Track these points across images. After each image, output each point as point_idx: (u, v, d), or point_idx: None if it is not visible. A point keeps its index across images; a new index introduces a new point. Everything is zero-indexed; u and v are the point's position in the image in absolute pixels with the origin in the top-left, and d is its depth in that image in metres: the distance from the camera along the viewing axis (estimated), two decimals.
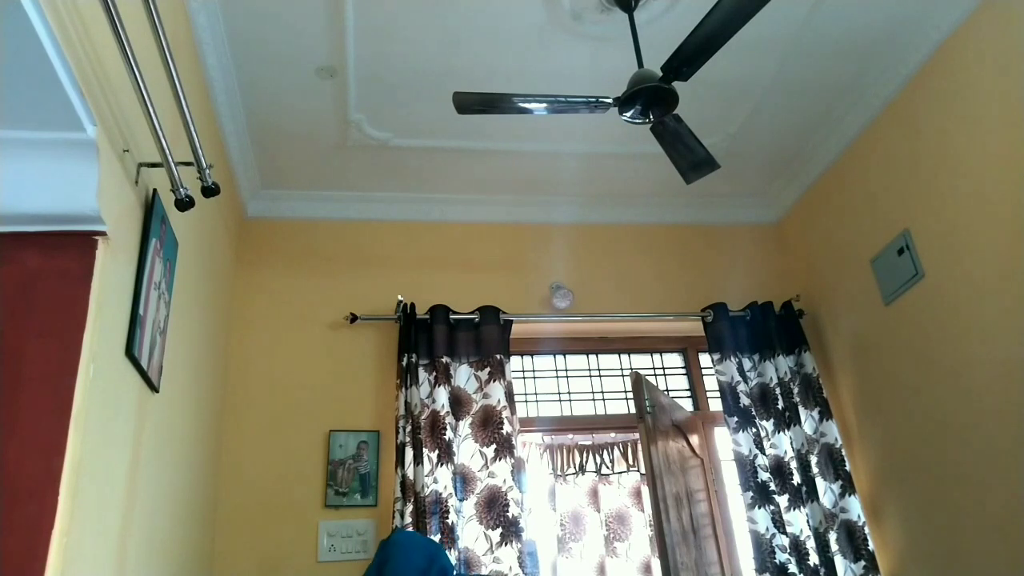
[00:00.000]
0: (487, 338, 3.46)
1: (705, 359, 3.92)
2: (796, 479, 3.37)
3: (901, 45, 3.08)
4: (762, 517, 3.27)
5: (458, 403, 3.33)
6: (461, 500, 3.16)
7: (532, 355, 3.90)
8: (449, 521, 3.05)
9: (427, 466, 3.12)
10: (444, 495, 3.10)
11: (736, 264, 4.04)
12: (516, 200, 3.94)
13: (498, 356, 3.41)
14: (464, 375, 3.40)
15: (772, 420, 3.50)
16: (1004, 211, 2.71)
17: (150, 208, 1.98)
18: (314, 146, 3.45)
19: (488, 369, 3.38)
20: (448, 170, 3.70)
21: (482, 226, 3.93)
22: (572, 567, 4.12)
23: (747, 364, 3.64)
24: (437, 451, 3.16)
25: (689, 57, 2.27)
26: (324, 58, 2.93)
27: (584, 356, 3.97)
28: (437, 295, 3.57)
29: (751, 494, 3.31)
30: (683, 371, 4.02)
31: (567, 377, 3.93)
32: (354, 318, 3.49)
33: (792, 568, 3.20)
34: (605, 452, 4.40)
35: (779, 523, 3.26)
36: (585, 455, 4.39)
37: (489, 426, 3.27)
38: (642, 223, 4.07)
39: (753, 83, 3.26)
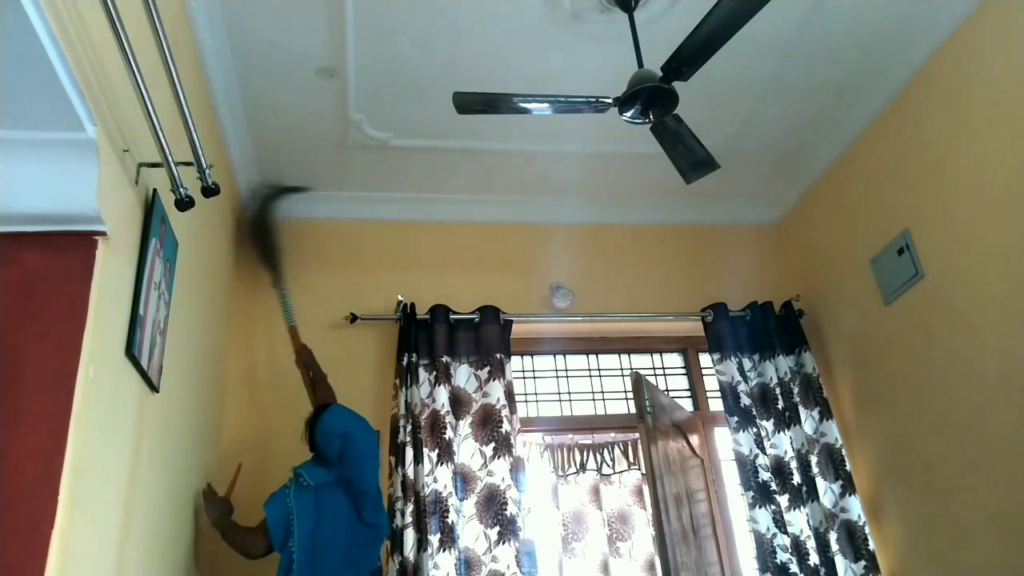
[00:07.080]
0: (487, 338, 3.46)
1: (705, 359, 3.92)
2: (796, 479, 3.38)
3: (901, 45, 3.08)
4: (763, 517, 3.27)
5: (458, 403, 3.33)
6: (461, 499, 3.16)
7: (532, 355, 3.90)
8: (449, 520, 3.06)
9: (427, 465, 3.12)
10: (444, 494, 3.10)
11: (736, 264, 4.04)
12: (516, 200, 3.94)
13: (498, 355, 3.41)
14: (464, 375, 3.40)
15: (772, 420, 3.50)
16: (1004, 211, 2.71)
17: (150, 208, 1.98)
18: (314, 146, 3.45)
19: (488, 368, 3.39)
20: (448, 170, 3.69)
21: (482, 226, 3.92)
22: (576, 566, 4.12)
23: (747, 364, 3.64)
24: (437, 450, 3.16)
25: (689, 57, 2.27)
26: (324, 58, 2.93)
27: (584, 356, 3.97)
28: (437, 295, 3.57)
29: (752, 494, 3.31)
30: (683, 371, 4.02)
31: (567, 377, 3.93)
32: (354, 318, 3.49)
33: (793, 568, 3.20)
34: (605, 451, 4.40)
35: (780, 523, 3.26)
36: (585, 454, 4.39)
37: (488, 425, 3.27)
38: (642, 223, 4.07)
39: (753, 82, 3.26)
